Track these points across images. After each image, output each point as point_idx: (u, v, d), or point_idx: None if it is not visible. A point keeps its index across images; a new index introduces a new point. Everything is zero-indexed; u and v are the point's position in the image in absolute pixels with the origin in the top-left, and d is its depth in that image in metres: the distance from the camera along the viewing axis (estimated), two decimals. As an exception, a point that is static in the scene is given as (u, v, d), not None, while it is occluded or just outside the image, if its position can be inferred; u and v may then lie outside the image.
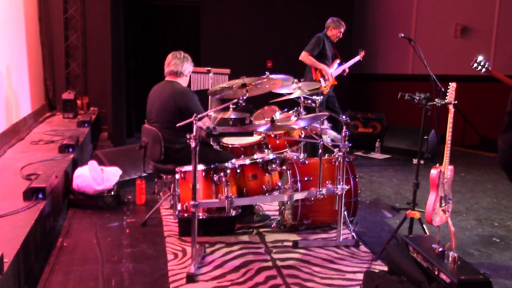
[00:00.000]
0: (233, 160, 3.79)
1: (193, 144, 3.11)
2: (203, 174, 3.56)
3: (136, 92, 7.78)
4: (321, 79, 5.98)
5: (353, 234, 3.83)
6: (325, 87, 5.97)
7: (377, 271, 3.12)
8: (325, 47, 6.08)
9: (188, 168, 3.54)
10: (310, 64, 6.03)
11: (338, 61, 6.22)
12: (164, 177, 4.49)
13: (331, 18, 6.23)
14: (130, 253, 3.52)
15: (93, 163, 4.53)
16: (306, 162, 3.97)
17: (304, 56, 6.01)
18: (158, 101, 3.98)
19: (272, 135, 4.23)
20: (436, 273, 2.56)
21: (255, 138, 4.34)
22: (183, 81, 4.09)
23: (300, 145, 4.42)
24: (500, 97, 7.43)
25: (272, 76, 3.52)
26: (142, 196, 4.63)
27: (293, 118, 3.96)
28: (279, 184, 3.80)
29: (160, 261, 3.39)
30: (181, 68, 4.02)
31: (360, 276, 3.07)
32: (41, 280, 3.04)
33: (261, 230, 3.98)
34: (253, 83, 3.45)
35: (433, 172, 3.38)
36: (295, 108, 4.18)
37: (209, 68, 5.08)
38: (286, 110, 4.25)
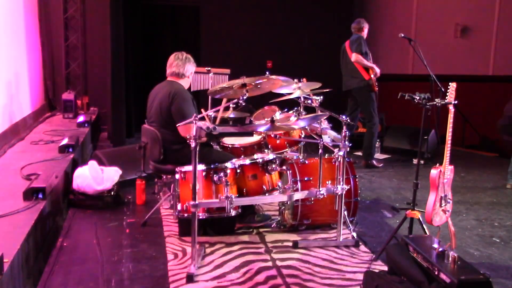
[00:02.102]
0: (233, 160, 3.79)
1: (193, 144, 3.11)
2: (203, 174, 3.56)
3: (136, 92, 7.78)
4: (373, 77, 6.09)
5: (353, 234, 3.83)
6: (376, 84, 6.12)
7: (377, 271, 3.12)
8: (366, 46, 6.18)
9: (188, 168, 3.54)
10: (363, 64, 6.07)
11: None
12: (164, 177, 4.49)
13: (359, 19, 6.34)
14: (130, 253, 3.52)
15: (93, 163, 4.52)
16: (306, 162, 3.97)
17: (358, 58, 6.04)
18: (157, 101, 3.98)
19: (272, 135, 4.23)
20: (436, 273, 2.56)
21: (255, 138, 4.34)
22: (185, 82, 4.07)
23: (300, 145, 4.42)
24: (500, 97, 7.43)
25: (273, 76, 3.52)
26: (142, 196, 4.63)
27: (293, 118, 3.96)
28: (279, 184, 3.80)
29: (160, 261, 3.38)
30: (182, 70, 4.01)
31: (360, 276, 3.07)
32: (41, 280, 3.04)
33: (261, 230, 3.98)
34: (253, 83, 3.45)
35: (433, 172, 3.38)
36: (295, 108, 4.18)
37: (209, 68, 5.07)
38: (286, 110, 4.26)
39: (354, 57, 6.05)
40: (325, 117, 4.15)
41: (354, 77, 6.18)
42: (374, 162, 6.35)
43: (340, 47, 6.49)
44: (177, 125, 3.34)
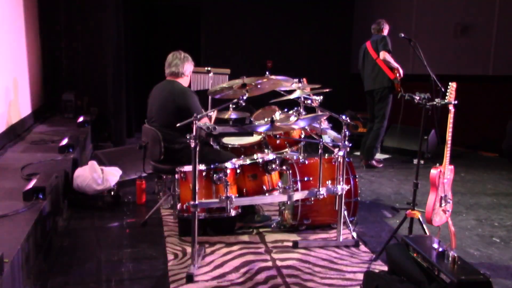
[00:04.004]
0: (233, 160, 3.79)
1: (193, 144, 3.11)
2: (203, 174, 3.56)
3: (136, 92, 7.79)
4: (398, 77, 6.04)
5: (353, 234, 3.83)
6: (400, 85, 6.06)
7: (377, 271, 3.12)
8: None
9: (188, 168, 3.55)
10: (389, 63, 6.01)
11: None
12: (164, 177, 4.49)
13: (379, 20, 6.25)
14: (130, 253, 3.52)
15: (93, 163, 4.53)
16: (306, 162, 3.97)
17: (386, 56, 5.97)
18: (158, 101, 3.99)
19: (272, 135, 4.23)
20: (436, 273, 2.56)
21: (255, 138, 4.34)
22: (184, 81, 4.09)
23: (300, 145, 4.42)
24: (500, 97, 7.43)
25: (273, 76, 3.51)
26: (142, 196, 4.63)
27: (293, 118, 3.96)
28: (279, 184, 3.80)
29: (160, 261, 3.39)
30: (182, 69, 4.03)
31: (360, 276, 3.07)
32: (41, 280, 3.04)
33: (261, 230, 3.98)
34: (253, 83, 3.45)
35: (433, 172, 3.39)
36: (295, 108, 4.18)
37: (209, 68, 5.08)
38: (286, 110, 4.25)
39: (382, 55, 5.98)
40: (325, 117, 4.15)
41: (378, 78, 6.12)
42: (374, 162, 6.35)
43: (340, 46, 6.48)
44: (177, 125, 3.33)
